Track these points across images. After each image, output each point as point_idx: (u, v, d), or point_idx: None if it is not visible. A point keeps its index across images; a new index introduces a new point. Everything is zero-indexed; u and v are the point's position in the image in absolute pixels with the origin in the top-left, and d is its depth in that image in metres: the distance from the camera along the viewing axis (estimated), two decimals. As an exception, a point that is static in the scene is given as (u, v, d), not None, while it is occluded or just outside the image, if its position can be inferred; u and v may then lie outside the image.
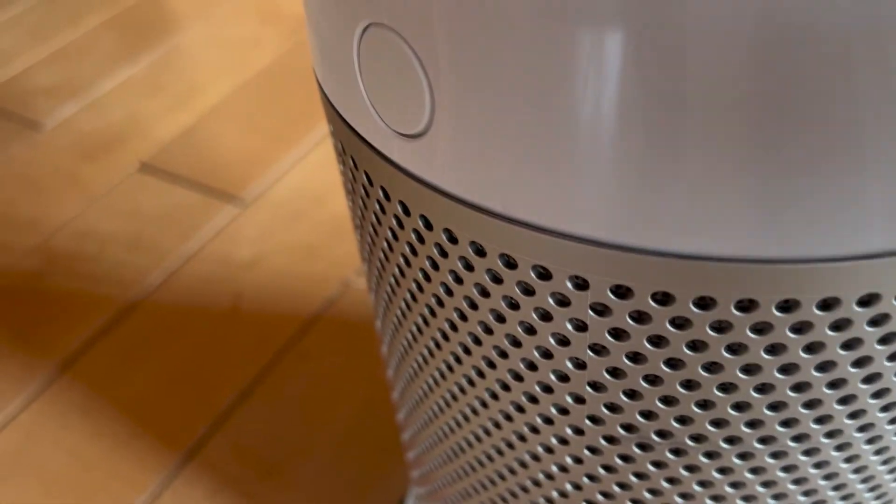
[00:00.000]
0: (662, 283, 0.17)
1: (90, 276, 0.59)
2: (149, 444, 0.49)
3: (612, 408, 0.21)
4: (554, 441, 0.23)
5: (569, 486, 0.24)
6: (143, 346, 0.54)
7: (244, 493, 0.46)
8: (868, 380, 0.19)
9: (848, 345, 0.18)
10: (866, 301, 0.17)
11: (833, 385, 0.19)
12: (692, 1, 0.14)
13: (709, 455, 0.21)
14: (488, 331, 0.21)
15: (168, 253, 0.61)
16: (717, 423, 0.20)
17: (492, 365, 0.22)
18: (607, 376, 0.20)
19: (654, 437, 0.21)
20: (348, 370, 0.52)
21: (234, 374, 0.52)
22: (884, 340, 0.18)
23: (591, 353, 0.20)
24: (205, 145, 0.70)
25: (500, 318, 0.21)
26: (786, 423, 0.20)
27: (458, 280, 0.21)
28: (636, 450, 0.22)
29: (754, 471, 0.22)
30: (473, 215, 0.19)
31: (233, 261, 0.60)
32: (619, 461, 0.22)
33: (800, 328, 0.18)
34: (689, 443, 0.21)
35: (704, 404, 0.20)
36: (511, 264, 0.19)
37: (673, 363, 0.19)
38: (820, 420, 0.20)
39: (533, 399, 0.22)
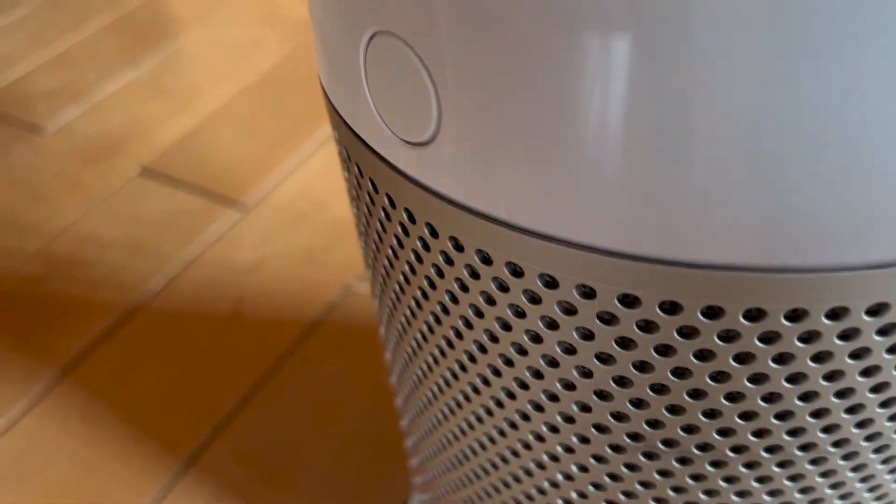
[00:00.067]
0: (670, 293, 0.17)
1: (91, 281, 0.59)
2: (150, 449, 0.48)
3: (619, 416, 0.21)
4: (559, 450, 0.23)
5: (574, 495, 0.24)
6: (144, 351, 0.54)
7: (246, 498, 0.46)
8: (876, 389, 0.19)
9: (856, 354, 0.18)
10: (875, 310, 0.17)
11: (841, 394, 0.19)
12: (698, 13, 0.14)
13: (715, 464, 0.21)
14: (494, 339, 0.21)
15: (169, 258, 0.61)
16: (724, 432, 0.20)
17: (497, 373, 0.22)
18: (614, 385, 0.20)
19: (661, 446, 0.21)
20: (350, 375, 0.51)
21: (236, 378, 0.52)
22: (892, 350, 0.18)
23: (597, 362, 0.20)
24: (206, 149, 0.70)
25: (506, 327, 0.21)
26: (792, 433, 0.20)
27: (464, 288, 0.21)
28: (642, 458, 0.22)
29: (760, 480, 0.22)
30: (479, 223, 0.19)
31: (234, 265, 0.59)
32: (624, 469, 0.22)
33: (808, 337, 0.18)
34: (696, 451, 0.21)
35: (711, 413, 0.20)
36: (517, 272, 0.19)
37: (680, 372, 0.19)
38: (827, 429, 0.20)
39: (538, 407, 0.22)
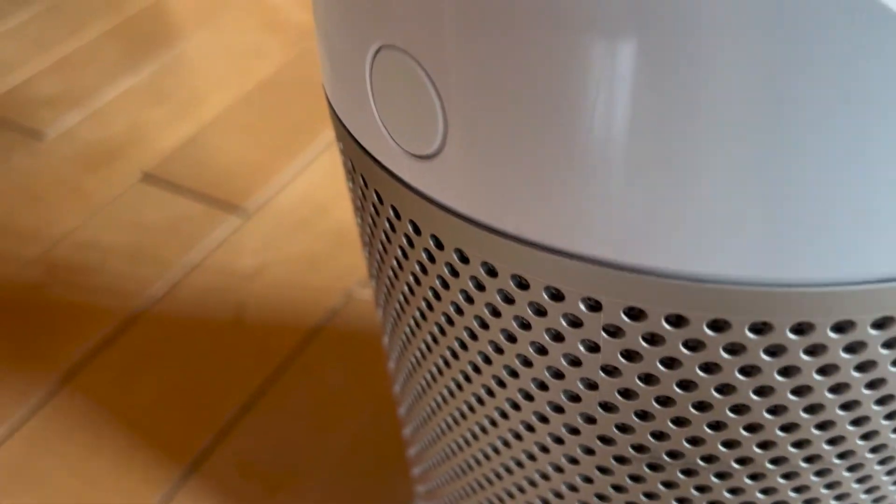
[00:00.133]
0: (676, 306, 0.17)
1: (92, 288, 0.59)
2: (151, 456, 0.48)
3: (624, 428, 0.21)
4: (564, 460, 0.23)
5: (578, 505, 0.24)
6: (145, 358, 0.54)
7: (247, 506, 0.46)
8: (882, 401, 0.19)
9: (862, 367, 0.18)
10: (880, 324, 0.17)
11: (846, 407, 0.19)
12: (705, 30, 0.14)
13: (720, 475, 0.21)
14: (499, 350, 0.21)
15: (170, 264, 0.61)
16: (729, 444, 0.20)
17: (502, 384, 0.22)
18: (619, 397, 0.20)
19: (666, 458, 0.21)
20: (352, 381, 0.51)
21: (238, 385, 0.52)
22: (897, 362, 0.18)
23: (603, 374, 0.20)
24: (207, 155, 0.70)
25: (512, 338, 0.21)
26: (798, 444, 0.20)
27: (469, 300, 0.21)
28: (647, 470, 0.22)
29: (765, 491, 0.22)
30: (485, 236, 0.19)
31: (236, 271, 0.59)
32: (629, 481, 0.22)
33: (813, 350, 0.18)
34: (701, 463, 0.21)
35: (717, 425, 0.20)
36: (523, 285, 0.19)
37: (685, 385, 0.19)
38: (832, 441, 0.20)
39: (543, 419, 0.22)
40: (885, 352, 0.18)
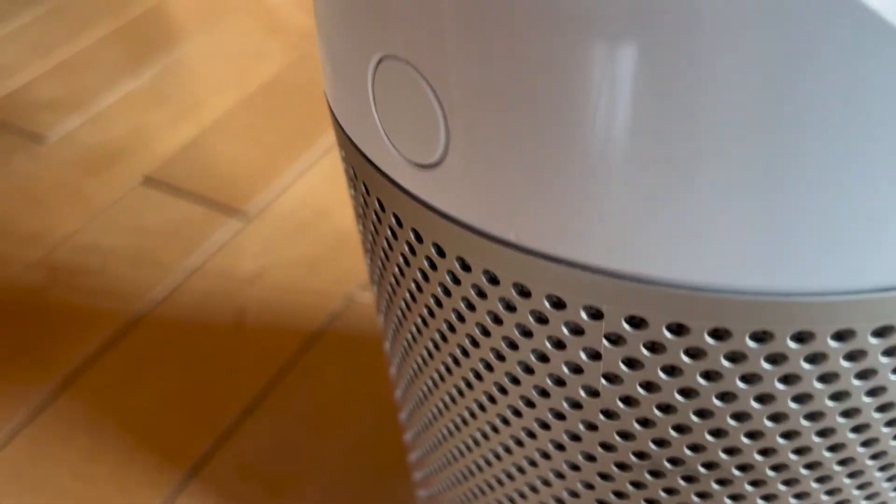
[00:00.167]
0: (677, 315, 0.18)
1: (93, 291, 0.59)
2: (153, 460, 0.48)
3: (625, 435, 0.21)
4: (565, 467, 0.23)
5: (579, 511, 0.24)
6: (146, 362, 0.54)
7: (248, 509, 0.46)
8: (882, 409, 0.19)
9: (862, 375, 0.18)
10: (880, 332, 0.17)
11: (846, 414, 0.19)
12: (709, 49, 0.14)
13: (721, 482, 0.21)
14: (500, 357, 0.21)
15: (171, 267, 0.61)
16: (730, 451, 0.20)
17: (503, 391, 0.22)
18: (621, 404, 0.20)
19: (667, 465, 0.21)
20: (353, 385, 0.51)
21: (238, 389, 0.52)
22: (897, 370, 0.18)
23: (604, 382, 0.20)
24: (208, 159, 0.70)
25: (513, 346, 0.21)
26: (798, 451, 0.20)
27: (471, 307, 0.21)
28: (648, 476, 0.22)
29: (766, 497, 0.22)
30: (487, 244, 0.19)
31: (236, 275, 0.60)
32: (630, 487, 0.22)
33: (814, 359, 0.18)
34: (702, 470, 0.21)
35: (717, 432, 0.20)
36: (524, 293, 0.19)
37: (687, 392, 0.19)
38: (833, 448, 0.20)
39: (545, 425, 0.22)
40: (885, 360, 0.18)
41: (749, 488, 0.21)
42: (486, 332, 0.21)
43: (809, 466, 0.21)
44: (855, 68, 0.14)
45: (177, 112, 0.76)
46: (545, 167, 0.17)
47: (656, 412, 0.20)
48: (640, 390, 0.20)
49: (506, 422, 0.23)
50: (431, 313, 0.23)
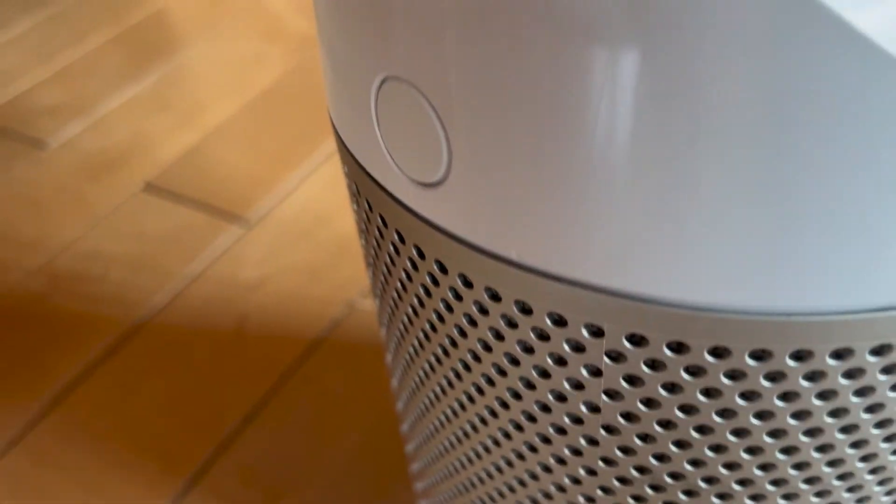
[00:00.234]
0: (677, 334, 0.18)
1: (94, 298, 0.60)
2: (154, 466, 0.49)
3: (626, 450, 0.21)
4: (567, 481, 0.23)
5: (580, 524, 0.24)
6: (147, 369, 0.54)
7: (250, 517, 0.46)
8: (880, 425, 0.19)
9: (860, 392, 0.18)
10: (878, 350, 0.18)
11: (845, 430, 0.19)
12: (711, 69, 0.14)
13: (721, 496, 0.21)
14: (502, 373, 0.22)
15: (173, 274, 0.61)
16: (730, 466, 0.21)
17: (505, 406, 0.22)
18: (621, 420, 0.20)
19: (667, 479, 0.21)
20: (354, 393, 0.52)
21: (240, 396, 0.52)
22: (896, 387, 0.18)
23: (605, 398, 0.20)
24: (209, 165, 0.71)
25: (515, 361, 0.21)
26: (798, 466, 0.20)
27: (473, 323, 0.21)
28: (649, 490, 0.22)
29: (766, 511, 0.22)
30: (489, 262, 0.19)
31: (238, 282, 0.60)
32: (631, 501, 0.23)
33: (812, 376, 0.18)
34: (702, 484, 0.21)
35: (717, 448, 0.20)
36: (526, 310, 0.20)
37: (687, 409, 0.19)
38: (832, 463, 0.20)
39: (546, 440, 0.22)
40: (883, 377, 0.18)
41: (749, 502, 0.21)
42: (487, 348, 0.21)
43: (809, 481, 0.21)
44: (853, 95, 0.14)
45: (178, 118, 0.76)
46: (546, 187, 0.17)
47: (657, 428, 0.20)
48: (641, 406, 0.20)
49: (507, 436, 0.23)
50: (433, 328, 0.23)
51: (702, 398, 0.19)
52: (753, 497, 0.21)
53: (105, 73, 0.82)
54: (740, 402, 0.19)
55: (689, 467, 0.21)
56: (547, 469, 0.23)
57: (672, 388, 0.19)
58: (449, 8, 0.16)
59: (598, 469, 0.22)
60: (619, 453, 0.21)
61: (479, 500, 0.27)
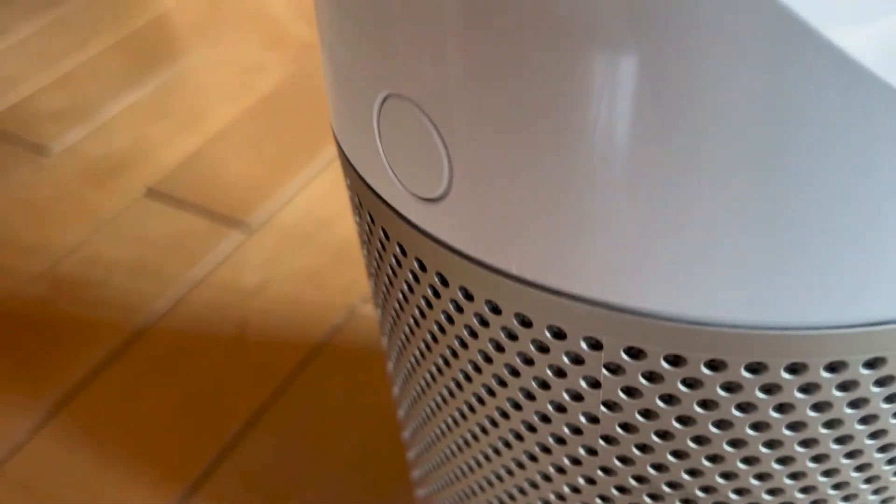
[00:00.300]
0: (674, 347, 0.18)
1: (96, 303, 0.60)
2: (157, 472, 0.49)
3: (624, 460, 0.21)
4: (566, 489, 0.23)
5: (580, 531, 0.25)
6: (150, 374, 0.55)
7: (252, 522, 0.46)
8: (874, 436, 0.20)
9: (854, 404, 0.19)
10: (872, 363, 0.18)
11: (840, 441, 0.20)
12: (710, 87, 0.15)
13: (718, 505, 0.22)
14: (502, 383, 0.22)
15: (174, 279, 0.61)
16: (727, 476, 0.21)
17: (505, 415, 0.23)
18: (620, 431, 0.21)
19: (665, 488, 0.22)
20: (355, 398, 0.52)
21: (242, 401, 0.52)
22: (890, 399, 0.19)
23: (604, 409, 0.20)
24: (211, 170, 0.71)
25: (515, 373, 0.21)
26: (794, 476, 0.21)
27: (473, 334, 0.21)
28: (647, 499, 0.22)
29: (763, 520, 0.22)
30: (489, 276, 0.20)
31: (239, 287, 0.60)
32: (630, 509, 0.23)
33: (807, 389, 0.18)
34: (700, 493, 0.22)
35: (714, 458, 0.20)
36: (526, 322, 0.20)
37: (684, 420, 0.20)
38: (827, 473, 0.21)
39: (546, 449, 0.23)
40: (876, 389, 0.18)
41: (746, 511, 0.22)
42: (488, 359, 0.22)
43: (804, 490, 0.21)
44: (841, 114, 0.14)
45: (179, 124, 0.76)
46: (545, 204, 0.17)
47: (655, 438, 0.20)
48: (639, 418, 0.20)
49: (508, 445, 0.24)
50: (435, 339, 0.23)
51: (699, 410, 0.19)
52: (750, 506, 0.22)
53: (107, 79, 0.82)
54: (736, 413, 0.19)
55: (686, 477, 0.21)
56: (547, 478, 0.24)
57: (669, 399, 0.19)
58: (449, 31, 0.16)
59: (598, 478, 0.22)
60: (617, 463, 0.22)
61: (479, 507, 0.28)
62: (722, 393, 0.19)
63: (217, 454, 0.49)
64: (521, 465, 0.24)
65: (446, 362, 0.23)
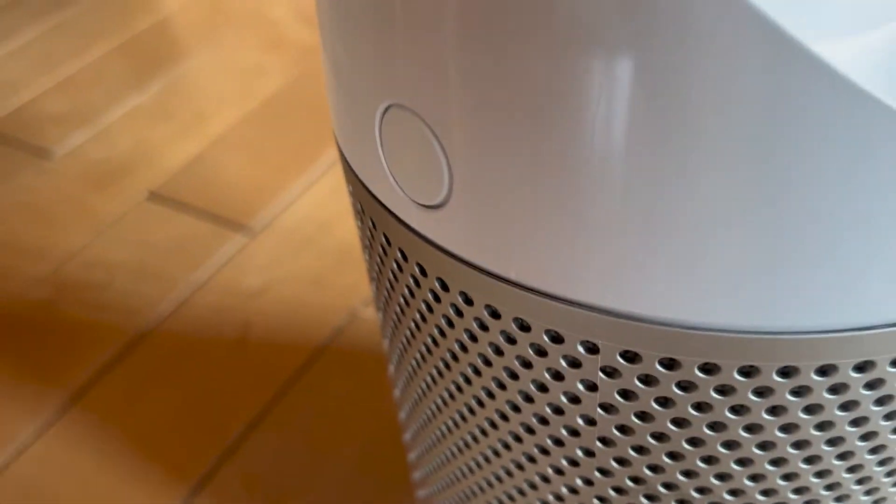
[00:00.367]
0: (669, 351, 0.18)
1: (100, 306, 0.60)
2: (160, 474, 0.49)
3: (621, 461, 0.22)
4: (564, 490, 0.24)
5: (578, 532, 0.25)
6: (153, 376, 0.55)
7: (254, 523, 0.47)
8: (865, 437, 0.20)
9: (845, 406, 0.19)
10: (861, 367, 0.18)
11: (832, 442, 0.20)
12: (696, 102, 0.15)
13: (713, 505, 0.22)
14: (501, 386, 0.22)
15: (177, 282, 0.62)
16: (721, 477, 0.21)
17: (504, 418, 0.23)
18: (616, 433, 0.21)
19: (661, 489, 0.22)
20: (356, 400, 0.52)
21: (244, 403, 0.53)
22: (879, 402, 0.19)
23: (601, 411, 0.21)
24: (213, 174, 0.71)
25: (514, 376, 0.22)
26: (787, 477, 0.21)
27: (473, 338, 0.22)
28: (643, 500, 0.23)
29: (757, 520, 0.23)
30: (488, 281, 0.20)
31: (241, 290, 0.60)
32: (626, 510, 0.23)
33: (799, 392, 0.19)
34: (695, 494, 0.22)
35: (709, 459, 0.21)
36: (524, 327, 0.20)
37: (679, 422, 0.20)
38: (819, 474, 0.21)
39: (544, 451, 0.23)
40: (866, 392, 0.19)
41: (740, 511, 0.22)
42: (487, 363, 0.22)
43: (797, 491, 0.22)
44: (833, 132, 0.15)
45: (181, 127, 0.77)
46: (543, 212, 0.18)
47: (650, 440, 0.21)
48: (635, 420, 0.20)
49: (507, 446, 0.24)
50: (435, 342, 0.24)
51: (693, 412, 0.20)
52: (744, 506, 0.22)
53: (109, 83, 0.83)
54: (730, 415, 0.20)
55: (681, 478, 0.22)
56: (545, 479, 0.24)
57: (664, 402, 0.20)
58: (449, 45, 0.17)
59: (595, 479, 0.23)
60: (614, 464, 0.22)
61: (479, 508, 0.28)
62: (715, 396, 0.19)
63: (219, 456, 0.50)
64: (520, 467, 0.24)
65: (446, 365, 0.24)
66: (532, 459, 0.24)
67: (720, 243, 0.17)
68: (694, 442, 0.21)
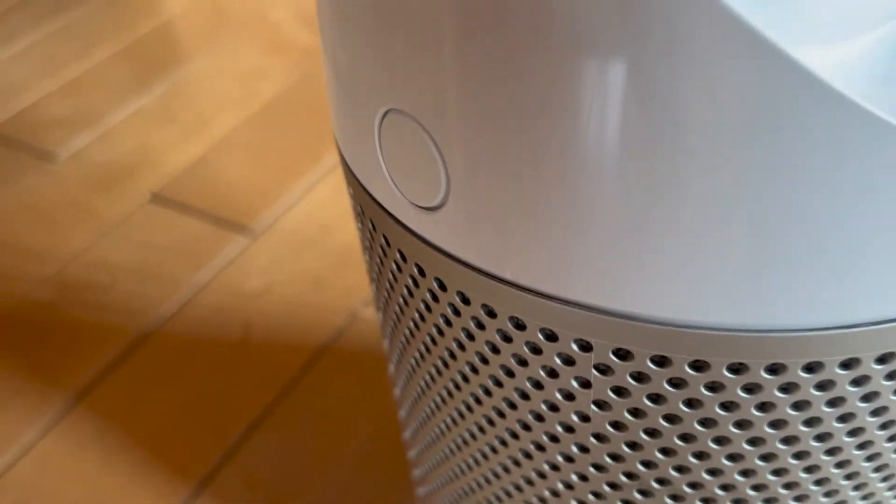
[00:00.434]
0: (660, 348, 0.19)
1: (103, 307, 0.61)
2: (162, 474, 0.50)
3: (615, 457, 0.22)
4: (560, 486, 0.24)
5: (574, 527, 0.26)
6: (155, 377, 0.56)
7: (256, 521, 0.47)
8: (852, 433, 0.21)
9: (832, 402, 0.20)
10: (848, 364, 0.19)
11: (819, 438, 0.21)
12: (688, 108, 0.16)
13: (705, 501, 0.23)
14: (498, 384, 0.23)
15: (179, 283, 0.62)
16: (713, 472, 0.22)
17: (501, 415, 0.24)
18: (610, 429, 0.22)
19: (654, 484, 0.23)
20: (357, 400, 0.53)
21: (246, 404, 0.53)
22: (865, 398, 0.20)
23: (595, 408, 0.21)
24: (215, 176, 0.72)
25: (510, 373, 0.22)
26: (776, 473, 0.22)
27: (470, 337, 0.22)
28: (637, 495, 0.23)
29: (748, 515, 0.23)
30: (485, 281, 0.20)
31: (243, 291, 0.61)
32: (621, 505, 0.24)
33: (787, 388, 0.19)
34: (687, 489, 0.23)
35: (700, 455, 0.21)
36: (520, 326, 0.21)
37: (670, 418, 0.21)
38: (808, 469, 0.22)
39: (540, 447, 0.24)
40: (853, 389, 0.19)
41: (731, 506, 0.23)
42: (484, 361, 0.23)
43: (787, 486, 0.22)
44: (816, 135, 0.15)
45: (184, 130, 0.77)
46: (538, 214, 0.18)
47: (644, 436, 0.21)
48: (628, 416, 0.21)
49: (504, 443, 0.25)
50: (433, 341, 0.24)
51: (684, 408, 0.20)
52: (735, 501, 0.23)
53: (112, 86, 0.83)
54: (720, 412, 0.20)
55: (674, 473, 0.22)
56: (542, 475, 0.25)
57: (656, 399, 0.20)
58: (447, 53, 0.17)
59: (590, 475, 0.23)
60: (608, 460, 0.23)
61: (477, 504, 0.29)
62: (706, 392, 0.20)
63: (221, 456, 0.50)
64: (517, 463, 0.25)
65: (445, 364, 0.24)
66: (528, 456, 0.24)
67: (711, 245, 0.17)
68: (685, 438, 0.21)
